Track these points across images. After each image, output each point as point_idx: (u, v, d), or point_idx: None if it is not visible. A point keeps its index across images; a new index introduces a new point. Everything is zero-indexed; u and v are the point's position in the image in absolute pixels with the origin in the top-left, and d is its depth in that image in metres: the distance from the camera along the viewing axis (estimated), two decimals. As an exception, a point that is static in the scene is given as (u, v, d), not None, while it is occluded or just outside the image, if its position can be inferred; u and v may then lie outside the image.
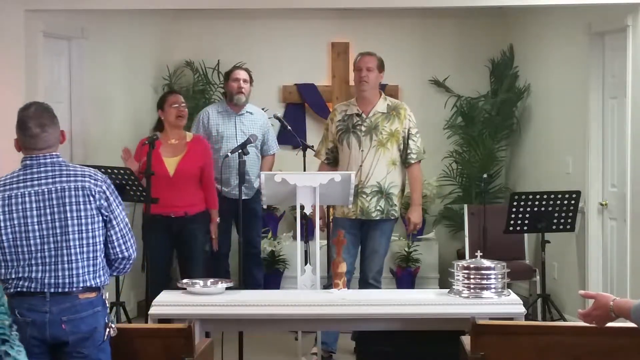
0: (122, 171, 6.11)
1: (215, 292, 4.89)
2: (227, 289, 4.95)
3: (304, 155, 6.47)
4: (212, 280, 5.04)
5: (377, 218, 6.04)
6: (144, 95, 8.05)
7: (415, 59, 8.40)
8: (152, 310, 4.69)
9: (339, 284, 5.01)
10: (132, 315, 6.84)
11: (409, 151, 6.08)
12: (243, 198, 6.58)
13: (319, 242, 5.38)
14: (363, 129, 6.05)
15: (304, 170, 6.42)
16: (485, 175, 6.84)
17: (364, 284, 6.07)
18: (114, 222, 3.72)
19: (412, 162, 6.10)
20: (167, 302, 4.74)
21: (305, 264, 5.43)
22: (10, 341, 2.50)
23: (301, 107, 8.41)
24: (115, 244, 3.73)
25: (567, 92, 7.30)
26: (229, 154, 5.97)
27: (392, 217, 6.11)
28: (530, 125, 7.98)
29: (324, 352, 6.01)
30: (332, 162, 6.21)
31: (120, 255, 3.75)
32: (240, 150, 5.62)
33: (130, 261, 3.80)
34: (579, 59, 7.03)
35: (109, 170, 6.13)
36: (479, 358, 3.91)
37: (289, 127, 6.73)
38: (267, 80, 7.79)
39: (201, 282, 4.99)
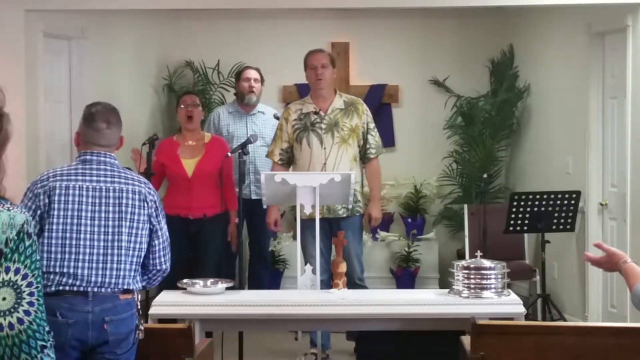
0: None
1: (215, 292, 4.89)
2: (227, 289, 4.95)
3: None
4: (212, 280, 5.04)
5: (344, 215, 5.96)
6: (144, 95, 8.05)
7: (415, 59, 8.40)
8: (152, 310, 4.69)
9: (339, 284, 5.01)
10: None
11: (368, 146, 6.01)
12: (255, 198, 6.63)
13: (318, 242, 5.38)
14: (323, 126, 5.96)
15: (304, 170, 6.41)
16: (485, 175, 6.84)
17: (351, 285, 6.00)
18: (159, 233, 3.72)
19: (372, 157, 6.04)
20: (167, 302, 4.74)
21: (305, 264, 5.43)
22: (48, 348, 2.49)
23: (301, 107, 8.40)
24: (157, 255, 3.73)
25: (567, 92, 7.30)
26: (229, 154, 5.97)
27: (357, 214, 6.02)
28: (530, 125, 7.98)
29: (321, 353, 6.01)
30: (286, 162, 6.08)
31: (157, 267, 3.75)
32: (240, 150, 5.63)
33: (164, 274, 3.81)
34: (579, 59, 7.03)
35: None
36: (479, 358, 3.91)
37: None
38: (267, 80, 7.77)
39: (201, 282, 4.99)
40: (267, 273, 7.20)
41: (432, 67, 8.37)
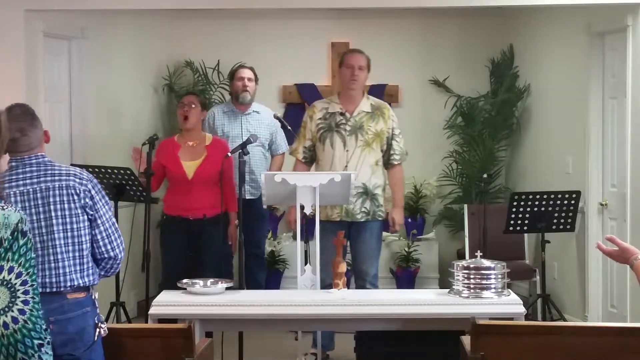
0: (122, 171, 6.12)
1: (215, 292, 4.89)
2: (227, 289, 4.95)
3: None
4: (212, 280, 5.04)
5: (363, 220, 5.93)
6: (144, 95, 8.05)
7: (415, 59, 8.41)
8: (152, 310, 4.68)
9: (339, 284, 5.00)
10: (132, 315, 6.84)
11: (392, 152, 5.98)
12: (249, 198, 6.65)
13: (318, 242, 5.38)
14: (347, 128, 5.92)
15: (304, 170, 6.40)
16: (485, 175, 6.83)
17: (362, 285, 5.99)
18: (99, 222, 3.69)
19: (395, 163, 6.02)
20: (167, 302, 4.74)
21: (305, 264, 5.42)
22: (45, 346, 2.49)
23: (301, 107, 8.40)
24: (100, 243, 3.70)
25: (567, 92, 7.30)
26: (229, 154, 5.96)
27: (380, 218, 6.00)
28: (530, 125, 7.98)
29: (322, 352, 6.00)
30: (309, 161, 6.07)
31: (105, 255, 3.72)
32: (240, 150, 5.62)
33: (117, 261, 3.76)
34: (579, 59, 7.03)
35: (109, 170, 6.14)
36: (479, 358, 3.91)
37: (289, 127, 6.73)
38: (267, 80, 7.78)
39: (201, 282, 4.98)
40: (264, 272, 7.19)
41: (432, 67, 8.37)
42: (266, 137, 6.88)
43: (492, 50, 8.25)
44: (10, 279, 2.44)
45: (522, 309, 4.64)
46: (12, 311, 2.43)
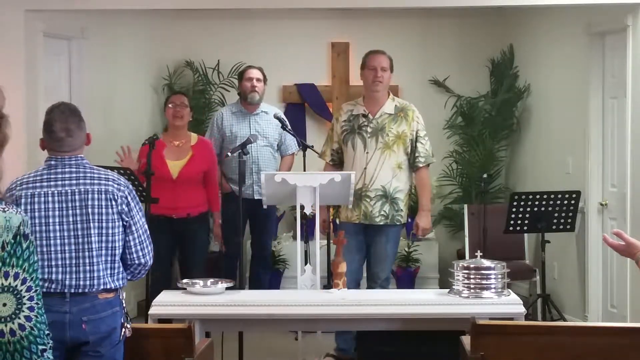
0: (121, 171, 6.10)
1: (215, 292, 4.89)
2: (227, 289, 4.95)
3: (304, 156, 6.43)
4: (212, 280, 5.04)
5: (381, 223, 5.87)
6: (144, 95, 8.05)
7: (415, 59, 8.40)
8: (152, 310, 4.69)
9: (339, 284, 5.00)
10: (132, 315, 6.81)
11: (416, 154, 5.92)
12: (259, 198, 6.60)
13: (319, 242, 5.37)
14: (369, 130, 5.87)
15: (304, 170, 6.39)
16: (485, 175, 6.84)
17: (374, 286, 5.97)
18: (133, 228, 3.72)
19: (420, 165, 5.95)
20: (167, 302, 4.74)
21: (305, 264, 5.42)
22: (48, 351, 2.48)
23: (301, 107, 8.41)
24: (133, 249, 3.73)
25: (567, 92, 7.30)
26: (229, 153, 5.96)
27: (398, 223, 5.95)
28: (530, 125, 7.98)
29: (341, 354, 5.97)
30: (338, 163, 6.02)
31: (136, 262, 3.75)
32: (240, 150, 5.62)
33: (146, 267, 3.81)
34: (579, 59, 7.03)
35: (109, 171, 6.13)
36: (479, 358, 3.92)
37: (288, 128, 6.72)
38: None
39: (201, 282, 4.99)
40: (267, 273, 7.20)
41: (432, 67, 8.37)
42: (275, 137, 6.86)
43: (492, 50, 8.25)
44: (16, 286, 2.43)
45: (522, 309, 4.64)
46: (19, 318, 2.42)
